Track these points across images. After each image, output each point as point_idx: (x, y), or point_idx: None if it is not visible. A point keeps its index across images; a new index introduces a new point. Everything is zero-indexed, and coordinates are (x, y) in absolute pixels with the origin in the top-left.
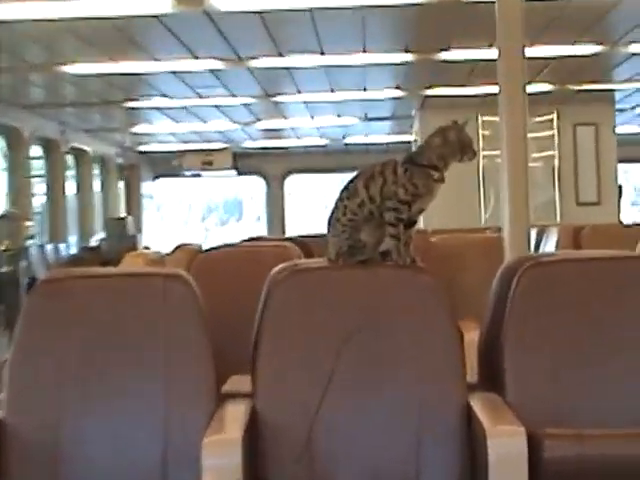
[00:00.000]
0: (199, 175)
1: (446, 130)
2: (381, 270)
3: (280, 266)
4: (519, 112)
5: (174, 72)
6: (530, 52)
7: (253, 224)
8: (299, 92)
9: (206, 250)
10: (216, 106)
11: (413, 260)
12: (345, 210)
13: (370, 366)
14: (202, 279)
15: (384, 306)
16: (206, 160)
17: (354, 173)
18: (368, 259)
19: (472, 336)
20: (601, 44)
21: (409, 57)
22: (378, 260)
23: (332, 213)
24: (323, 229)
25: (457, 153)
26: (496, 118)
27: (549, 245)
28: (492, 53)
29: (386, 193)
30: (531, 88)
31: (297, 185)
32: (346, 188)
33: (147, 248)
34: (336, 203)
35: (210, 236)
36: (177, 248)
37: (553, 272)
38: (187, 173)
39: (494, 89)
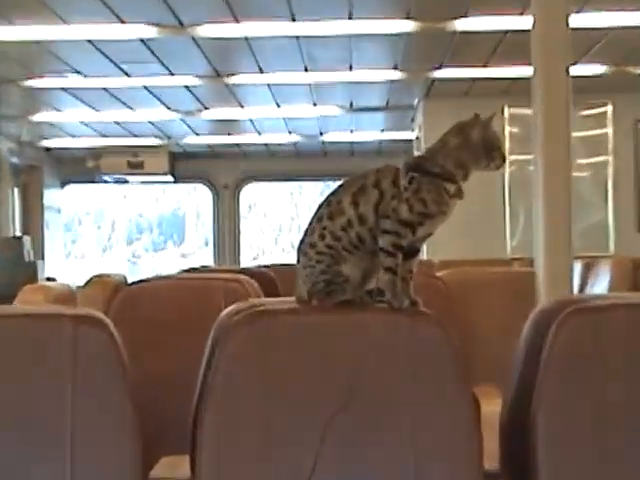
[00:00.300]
0: (124, 181)
1: (467, 127)
2: (370, 316)
3: (232, 308)
4: (560, 103)
5: (90, 41)
6: (576, 21)
7: (200, 250)
8: (261, 71)
9: (131, 284)
10: (148, 88)
11: (414, 302)
12: (323, 233)
13: (356, 447)
14: (125, 323)
15: (374, 366)
16: (134, 161)
17: (337, 183)
18: (353, 300)
19: (492, 408)
20: None
21: (411, 26)
22: (366, 302)
23: (305, 236)
24: (292, 257)
25: (482, 158)
26: (528, 111)
27: (599, 284)
28: (525, 22)
29: (383, 211)
30: (577, 70)
31: (257, 197)
32: (326, 203)
33: (51, 280)
34: (311, 223)
35: (139, 265)
36: (92, 280)
37: (604, 321)
38: (108, 179)
39: (526, 71)
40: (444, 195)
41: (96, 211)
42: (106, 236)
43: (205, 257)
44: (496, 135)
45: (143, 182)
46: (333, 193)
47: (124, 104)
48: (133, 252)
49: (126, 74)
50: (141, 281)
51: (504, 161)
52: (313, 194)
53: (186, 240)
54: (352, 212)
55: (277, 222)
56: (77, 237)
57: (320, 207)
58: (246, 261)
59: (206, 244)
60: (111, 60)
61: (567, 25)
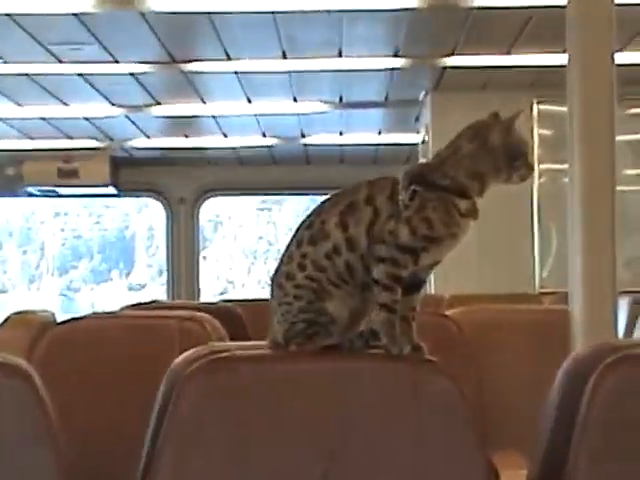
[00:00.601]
0: (54, 194)
1: (484, 129)
2: (362, 365)
3: (188, 353)
4: (602, 98)
5: (9, 14)
6: None
7: (153, 281)
8: (228, 56)
9: (61, 323)
10: (84, 77)
11: (417, 348)
12: (303, 262)
13: None
14: (53, 372)
15: (365, 428)
16: (66, 169)
17: (323, 197)
18: (340, 345)
19: (515, 478)
20: None
21: (416, 1)
22: (357, 347)
23: (280, 265)
24: (265, 291)
25: (502, 168)
26: (563, 108)
27: None
28: None
29: (377, 234)
30: (623, 58)
31: (225, 215)
32: (307, 225)
33: None
34: (288, 249)
35: (76, 301)
36: (11, 318)
37: None
38: (33, 190)
39: (560, 58)
40: (455, 214)
41: (21, 231)
42: (34, 263)
43: (160, 290)
44: (521, 139)
45: (77, 195)
46: (315, 212)
47: (54, 97)
48: (68, 284)
49: (56, 58)
50: (73, 319)
51: (530, 172)
52: (296, 211)
53: (135, 269)
54: (339, 235)
55: (251, 247)
56: None
57: (299, 229)
58: (210, 296)
59: (161, 273)
60: (36, 40)
61: (612, 0)
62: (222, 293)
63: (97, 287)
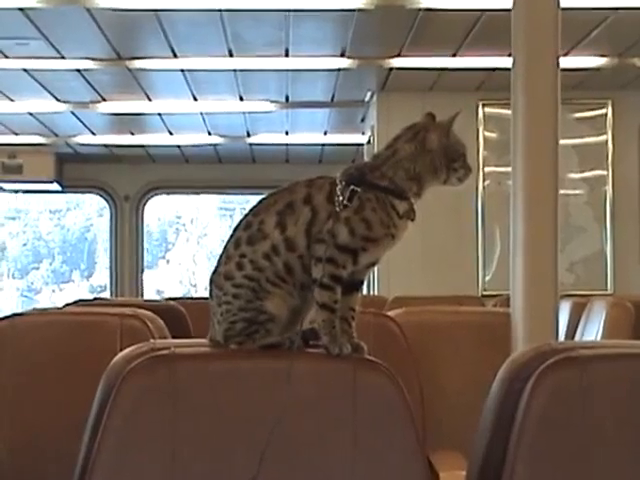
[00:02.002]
0: None
1: (422, 129)
2: (301, 364)
3: (128, 351)
4: (547, 102)
5: None
6: None
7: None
8: (174, 54)
9: (1, 319)
10: (29, 72)
11: (357, 348)
12: (242, 261)
13: None
14: None
15: (303, 426)
16: (10, 164)
17: (261, 196)
18: (280, 344)
19: (454, 479)
20: None
21: (363, 1)
22: (297, 346)
23: (218, 266)
24: (204, 290)
25: (441, 170)
26: (507, 110)
27: (591, 328)
28: None
29: (316, 234)
30: (568, 62)
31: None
32: (244, 225)
33: None
34: (226, 249)
35: (37, 301)
36: None
37: (594, 375)
38: None
39: (506, 61)
40: (393, 215)
41: None
42: None
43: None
44: (459, 141)
45: (21, 191)
46: (253, 211)
47: None
48: (29, 285)
49: (1, 53)
50: (15, 315)
51: (469, 173)
52: (236, 209)
53: (97, 269)
54: (278, 236)
55: (214, 249)
56: None
57: (237, 229)
58: (150, 292)
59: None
60: None
61: (558, 4)
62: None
63: (58, 288)
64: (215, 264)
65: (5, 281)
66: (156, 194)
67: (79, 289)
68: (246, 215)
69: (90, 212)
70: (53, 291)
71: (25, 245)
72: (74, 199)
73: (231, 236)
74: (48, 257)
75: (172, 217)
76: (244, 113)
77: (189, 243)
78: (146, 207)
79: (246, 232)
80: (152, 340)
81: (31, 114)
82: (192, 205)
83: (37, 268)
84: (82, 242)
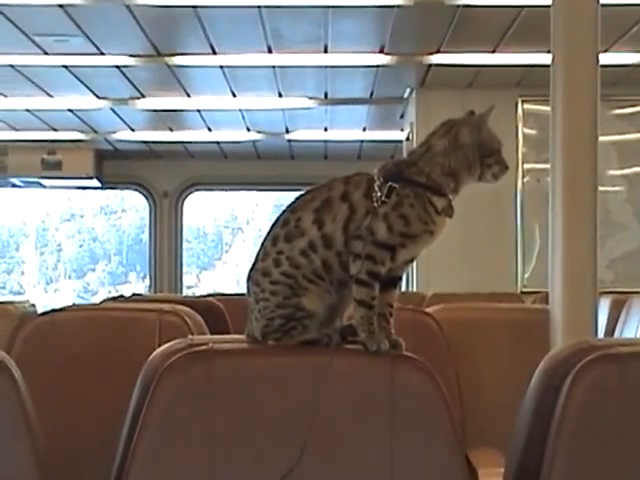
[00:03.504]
0: (39, 185)
1: (456, 126)
2: (339, 360)
3: (166, 346)
4: (586, 98)
5: None
6: None
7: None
8: (213, 50)
9: (42, 314)
10: (69, 69)
11: (395, 344)
12: (279, 258)
13: None
14: (32, 364)
15: (340, 422)
16: (50, 160)
17: (300, 193)
18: (318, 340)
19: (493, 478)
20: None
21: None
22: (335, 342)
23: (256, 262)
24: (242, 286)
25: (474, 165)
26: (547, 107)
27: (630, 326)
28: None
29: (354, 231)
30: (608, 58)
31: (205, 208)
32: (282, 222)
33: None
34: (263, 246)
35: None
36: None
37: (633, 372)
38: (16, 181)
39: (546, 57)
40: (431, 211)
41: (38, 231)
42: (51, 265)
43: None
44: (493, 136)
45: (61, 187)
46: (290, 208)
47: (39, 88)
48: (85, 286)
49: (42, 50)
50: (54, 311)
51: (504, 170)
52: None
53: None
54: (315, 232)
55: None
56: (14, 265)
57: (274, 226)
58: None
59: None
60: (22, 31)
61: (597, 0)
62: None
63: (114, 290)
64: (252, 261)
65: (62, 282)
66: (195, 190)
67: (136, 290)
68: (283, 212)
69: (145, 214)
70: (109, 292)
71: (81, 246)
72: (128, 200)
73: (268, 233)
74: (104, 258)
75: (228, 217)
76: (283, 109)
77: (246, 244)
78: (185, 204)
79: (283, 229)
80: (190, 336)
81: (70, 110)
82: (248, 205)
83: (93, 270)
84: (138, 243)
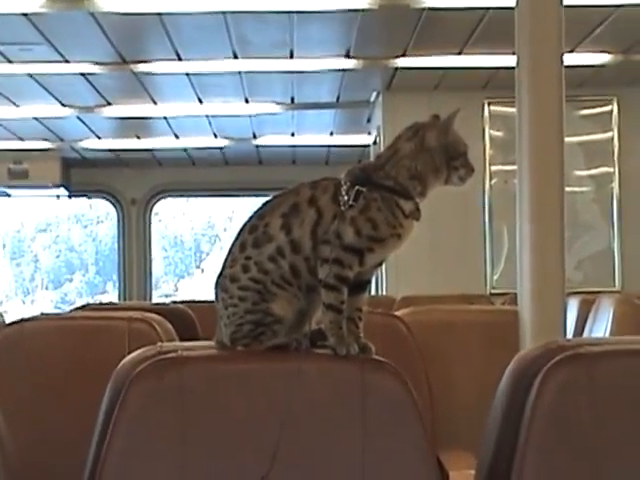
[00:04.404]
0: (5, 194)
1: (422, 129)
2: (308, 365)
3: (136, 354)
4: (551, 100)
5: None
6: None
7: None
8: (179, 57)
9: (9, 324)
10: (33, 76)
11: (365, 348)
12: (247, 264)
13: None
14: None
15: (314, 427)
16: (16, 170)
17: (267, 199)
18: (287, 345)
19: (464, 478)
20: None
21: (367, 0)
22: (304, 347)
23: (224, 268)
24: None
25: (441, 168)
26: (513, 109)
27: (599, 326)
28: None
29: (322, 236)
30: (573, 59)
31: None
32: (249, 227)
33: None
34: (231, 252)
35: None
36: None
37: (602, 372)
38: None
39: (512, 60)
40: (399, 215)
41: (13, 242)
42: (27, 276)
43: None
44: (459, 139)
45: (27, 196)
46: (258, 214)
47: (3, 97)
48: (62, 297)
49: (6, 58)
50: (23, 320)
51: (470, 172)
52: (244, 212)
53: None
54: (283, 238)
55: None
56: None
57: (242, 231)
58: (159, 296)
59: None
60: None
61: (561, 2)
62: None
63: (92, 300)
64: (220, 267)
65: (39, 293)
66: (163, 197)
67: (115, 300)
68: (251, 217)
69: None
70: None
71: (58, 257)
72: (104, 209)
73: (236, 239)
74: (81, 268)
75: (205, 225)
76: (250, 115)
77: (223, 252)
78: (154, 210)
79: (251, 235)
80: (159, 343)
81: (36, 119)
82: (224, 213)
83: (70, 280)
84: (114, 253)
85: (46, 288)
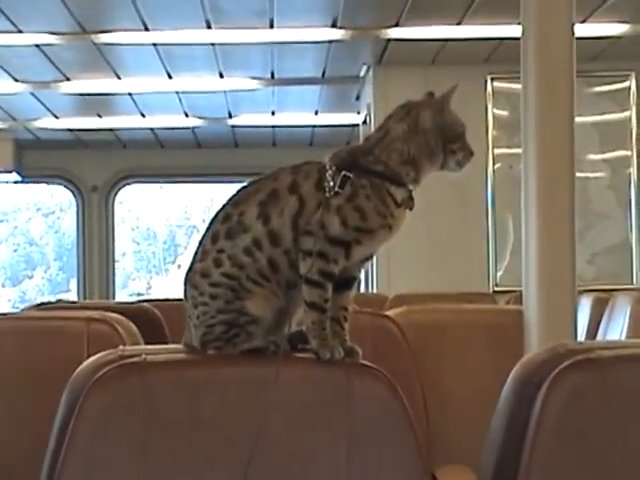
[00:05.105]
0: None
1: (416, 108)
2: (287, 370)
3: (94, 358)
4: (561, 75)
5: None
6: None
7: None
8: (145, 27)
9: None
10: None
11: (351, 352)
12: (219, 257)
13: None
14: None
15: (292, 441)
16: None
17: (243, 185)
18: (263, 348)
19: None
20: None
21: None
22: (283, 350)
23: (193, 263)
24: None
25: (437, 152)
26: (520, 85)
27: (614, 327)
28: None
29: (304, 226)
30: (585, 30)
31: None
32: (222, 217)
33: None
34: (202, 244)
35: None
36: None
37: (616, 378)
38: None
39: (518, 30)
40: (390, 203)
41: None
42: None
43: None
44: (457, 120)
45: None
46: (232, 202)
47: None
48: (21, 295)
49: None
50: None
51: (469, 157)
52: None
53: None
54: (260, 228)
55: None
56: None
57: (214, 221)
58: (122, 294)
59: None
60: None
61: None
62: None
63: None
64: (190, 261)
65: None
66: (127, 184)
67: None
68: (224, 206)
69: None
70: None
71: (16, 251)
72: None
73: (207, 229)
74: (42, 264)
75: (181, 216)
76: (225, 92)
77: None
78: (117, 198)
79: (224, 225)
80: (121, 347)
81: None
82: (202, 201)
83: (30, 277)
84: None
85: (2, 286)
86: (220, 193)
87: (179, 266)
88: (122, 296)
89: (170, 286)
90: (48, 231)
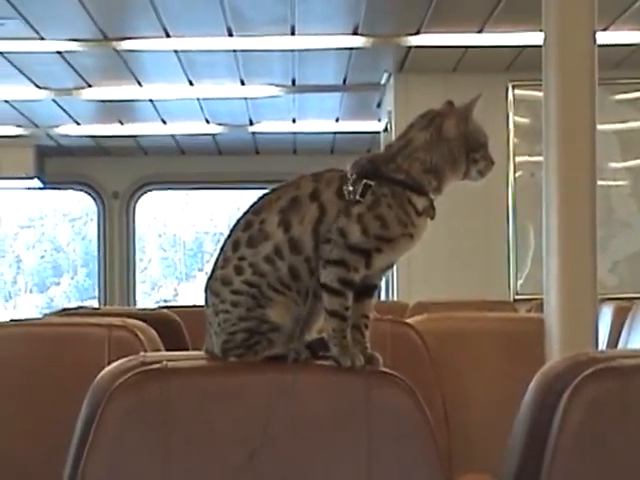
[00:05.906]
0: None
1: (438, 116)
2: (308, 378)
3: (116, 365)
4: (583, 83)
5: None
6: None
7: (146, 297)
8: (167, 34)
9: None
10: (4, 54)
11: (371, 359)
12: (241, 265)
13: None
14: None
15: (313, 449)
16: None
17: (264, 192)
18: (284, 356)
19: None
20: None
21: None
22: (303, 357)
23: (214, 270)
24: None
25: (459, 161)
26: (541, 93)
27: (636, 336)
28: None
29: (325, 234)
30: (607, 37)
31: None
32: (244, 224)
33: None
34: (223, 251)
35: None
36: None
37: (638, 387)
38: None
39: (539, 38)
40: (411, 212)
41: None
42: (9, 279)
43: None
44: (479, 129)
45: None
46: (253, 209)
47: None
48: (48, 302)
49: None
50: None
51: (490, 166)
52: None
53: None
54: (281, 236)
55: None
56: None
57: (235, 228)
58: (144, 301)
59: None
60: None
61: None
62: None
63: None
64: (211, 269)
65: (22, 297)
66: (149, 190)
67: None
68: (245, 213)
69: None
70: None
71: (43, 257)
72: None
73: (228, 237)
74: (69, 270)
75: (207, 223)
76: (246, 99)
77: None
78: (138, 205)
79: (245, 232)
80: (142, 353)
81: (7, 102)
82: (229, 209)
83: (58, 283)
84: None
85: (30, 292)
86: (246, 200)
87: (206, 273)
88: (149, 303)
89: (197, 293)
90: (75, 237)
